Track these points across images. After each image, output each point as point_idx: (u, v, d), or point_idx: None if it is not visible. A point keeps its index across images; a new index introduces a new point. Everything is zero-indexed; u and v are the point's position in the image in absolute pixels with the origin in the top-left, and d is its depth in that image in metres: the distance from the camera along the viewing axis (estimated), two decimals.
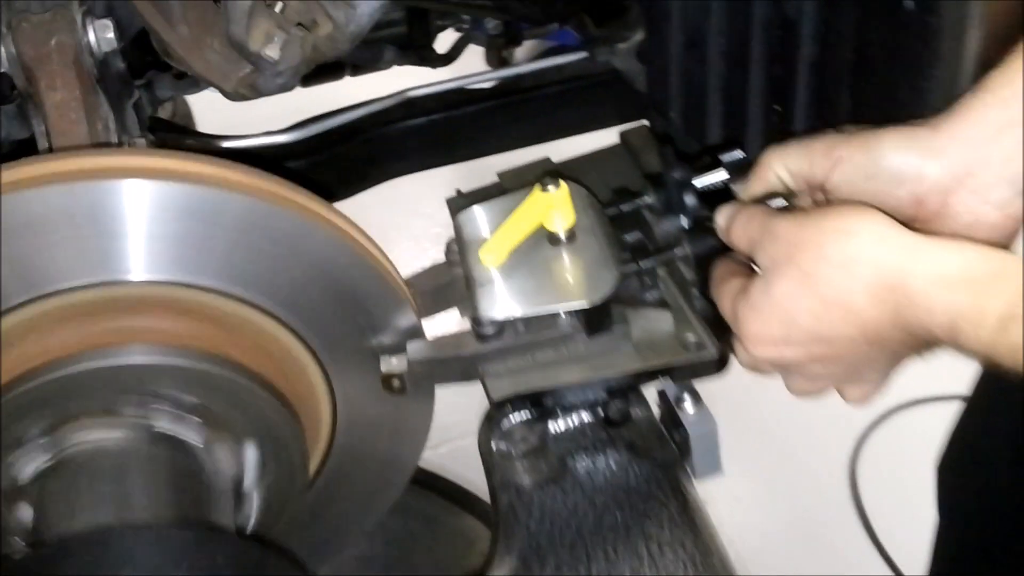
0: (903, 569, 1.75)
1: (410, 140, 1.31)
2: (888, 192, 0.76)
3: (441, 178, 1.37)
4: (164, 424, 0.84)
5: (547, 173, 0.92)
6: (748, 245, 0.80)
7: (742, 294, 0.78)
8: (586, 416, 0.93)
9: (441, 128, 1.31)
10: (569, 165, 1.12)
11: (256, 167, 0.89)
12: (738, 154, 0.94)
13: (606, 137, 1.23)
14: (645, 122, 1.25)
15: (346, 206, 1.33)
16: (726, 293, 0.81)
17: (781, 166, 0.84)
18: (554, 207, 0.88)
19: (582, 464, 0.90)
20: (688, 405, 0.91)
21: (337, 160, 1.27)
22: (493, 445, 0.93)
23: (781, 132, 1.07)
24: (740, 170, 0.93)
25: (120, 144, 0.92)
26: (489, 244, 0.86)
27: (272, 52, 0.86)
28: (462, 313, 1.00)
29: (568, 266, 0.88)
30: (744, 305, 0.77)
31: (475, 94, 1.31)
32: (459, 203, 1.12)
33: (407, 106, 1.29)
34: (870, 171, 0.77)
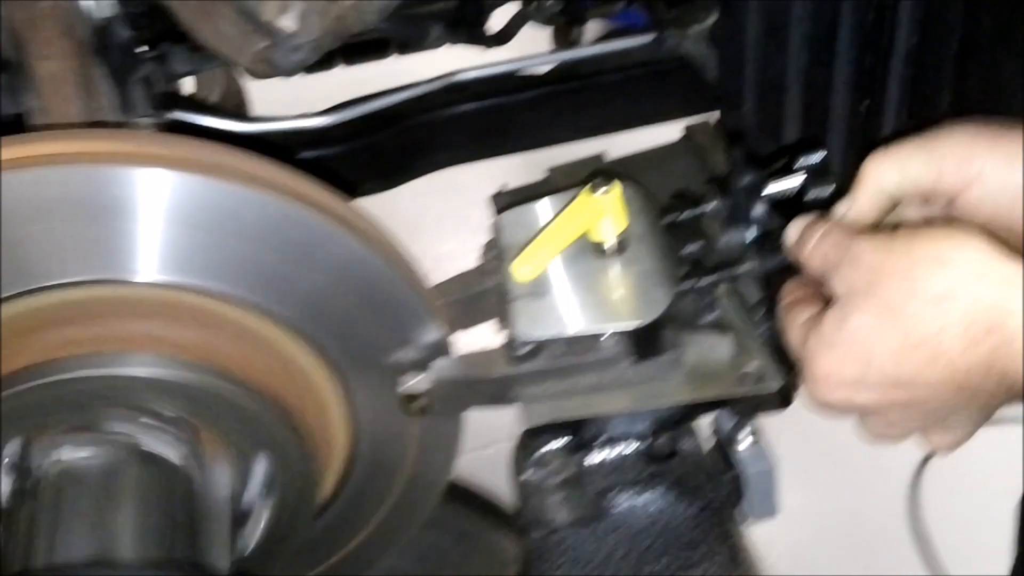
0: None
1: (457, 128, 1.23)
2: None
3: (506, 166, 1.29)
4: (152, 443, 0.77)
5: (598, 173, 0.82)
6: (823, 267, 0.71)
7: (813, 326, 0.69)
8: (628, 448, 0.84)
9: (491, 116, 1.23)
10: (625, 163, 1.03)
11: (283, 153, 0.82)
12: (818, 156, 0.84)
13: (671, 132, 1.14)
14: (714, 116, 1.15)
15: (402, 191, 1.27)
16: (795, 322, 0.72)
17: (898, 173, 0.72)
18: (604, 213, 0.79)
19: (622, 502, 0.82)
20: (744, 440, 0.82)
21: (376, 148, 1.20)
22: (525, 474, 0.85)
23: (867, 131, 0.97)
24: (820, 175, 0.83)
25: (122, 124, 0.85)
26: (525, 255, 0.77)
27: (288, 23, 0.78)
28: (498, 327, 0.91)
29: (616, 281, 0.80)
30: (815, 339, 0.68)
31: (529, 79, 1.23)
32: (504, 201, 1.04)
33: (454, 90, 1.21)
34: (1020, 194, 0.66)
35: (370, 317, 0.83)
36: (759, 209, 0.80)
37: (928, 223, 0.72)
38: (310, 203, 0.78)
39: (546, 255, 0.77)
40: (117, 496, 0.74)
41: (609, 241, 0.80)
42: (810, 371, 0.69)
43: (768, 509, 0.82)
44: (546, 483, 0.85)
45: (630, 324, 0.77)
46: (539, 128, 1.25)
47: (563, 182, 1.02)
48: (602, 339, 0.80)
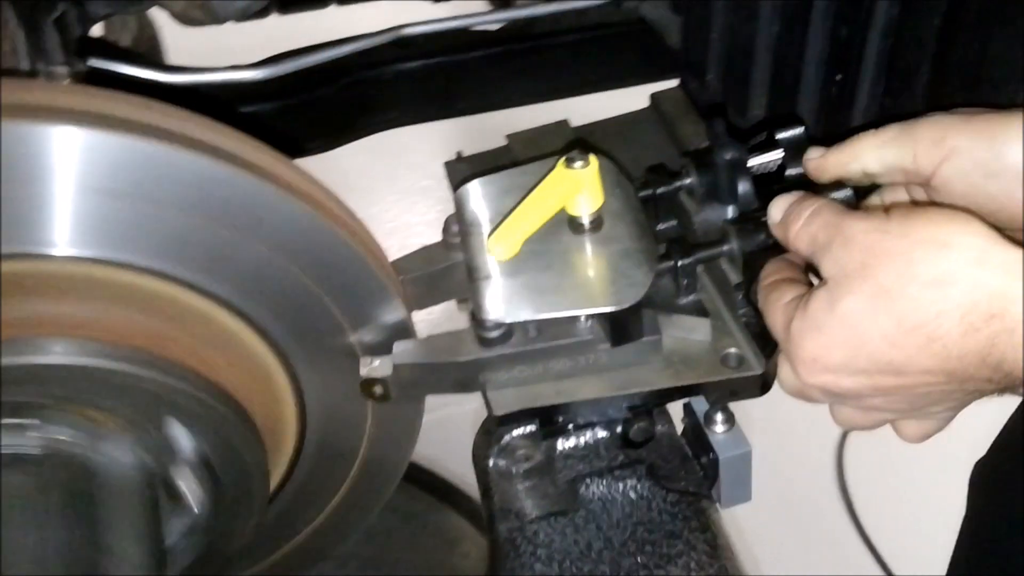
0: (882, 551, 1.75)
1: (402, 86, 1.17)
2: (1010, 195, 0.66)
3: (433, 125, 1.24)
4: (65, 437, 0.70)
5: (572, 144, 0.79)
6: (810, 247, 0.68)
7: (800, 308, 0.67)
8: (600, 432, 0.81)
9: (439, 74, 1.17)
10: (591, 130, 0.99)
11: (212, 109, 0.75)
12: (798, 131, 0.81)
13: (630, 97, 1.10)
14: (677, 83, 1.11)
15: (326, 153, 1.21)
16: (777, 304, 0.70)
17: (874, 155, 0.72)
18: (581, 188, 0.75)
19: (596, 492, 0.79)
20: (719, 425, 0.80)
21: (315, 105, 1.13)
22: (491, 462, 0.81)
23: (840, 105, 0.95)
24: (799, 151, 0.81)
25: (34, 72, 0.77)
26: (500, 232, 0.73)
27: None
28: (460, 306, 0.87)
29: (593, 260, 0.76)
30: (801, 322, 0.66)
31: (480, 37, 1.17)
32: (459, 169, 0.99)
33: (400, 45, 1.14)
34: (992, 168, 0.66)
35: (321, 294, 0.78)
36: (743, 186, 0.77)
37: (921, 205, 0.70)
38: (250, 166, 0.72)
39: (522, 233, 0.73)
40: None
41: (584, 217, 0.77)
42: (794, 354, 0.67)
43: (742, 494, 0.80)
44: (513, 471, 0.81)
45: (609, 307, 0.73)
46: (491, 89, 1.19)
47: (522, 149, 0.98)
48: (577, 322, 0.76)
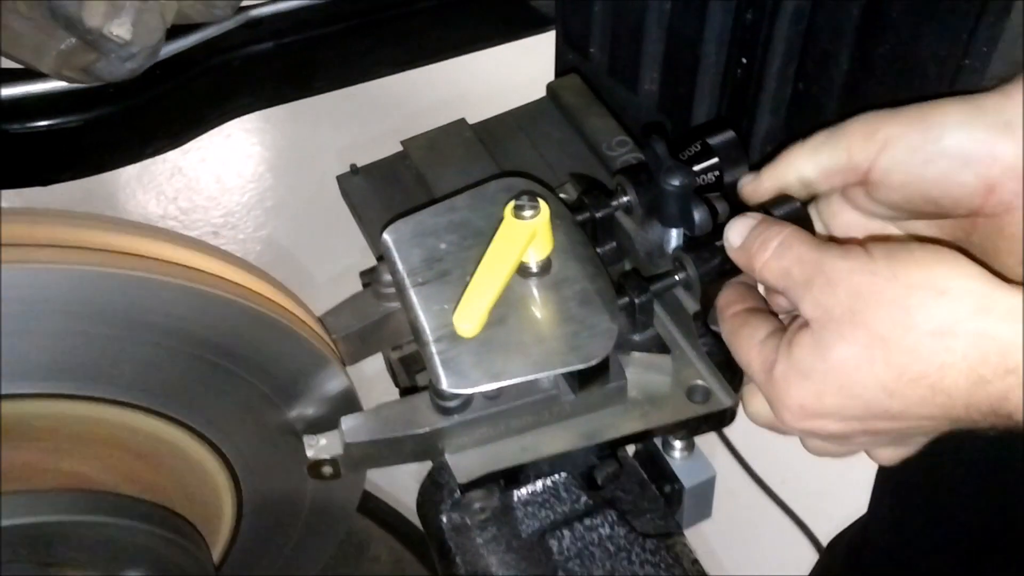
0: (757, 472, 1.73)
1: (255, 70, 0.99)
2: (952, 178, 0.60)
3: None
4: None
5: (508, 178, 0.67)
6: (782, 281, 0.61)
7: (782, 351, 0.60)
8: (558, 474, 0.73)
9: (295, 54, 1.00)
10: (489, 126, 0.86)
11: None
12: (728, 135, 0.73)
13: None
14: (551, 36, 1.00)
15: None
16: (751, 342, 0.62)
17: (809, 163, 0.64)
18: (534, 237, 0.64)
19: (570, 547, 0.70)
20: (678, 451, 0.74)
21: (164, 101, 0.94)
22: (444, 518, 0.72)
23: (745, 91, 0.87)
24: (733, 156, 0.73)
25: None
26: (463, 309, 0.61)
27: (121, 30, 0.54)
28: (393, 352, 0.75)
29: (550, 309, 0.66)
30: (786, 367, 0.59)
31: (334, 11, 1.00)
32: (353, 183, 0.85)
33: (251, 27, 0.96)
34: (929, 153, 0.60)
35: (240, 373, 0.65)
36: (699, 214, 0.68)
37: (902, 241, 0.64)
38: (115, 255, 0.59)
39: (486, 304, 0.62)
40: None
41: (533, 263, 0.66)
42: (778, 400, 0.60)
43: (704, 513, 0.75)
44: (468, 522, 0.73)
45: (579, 365, 0.64)
46: (349, 64, 1.03)
47: (421, 156, 0.85)
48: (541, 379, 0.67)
